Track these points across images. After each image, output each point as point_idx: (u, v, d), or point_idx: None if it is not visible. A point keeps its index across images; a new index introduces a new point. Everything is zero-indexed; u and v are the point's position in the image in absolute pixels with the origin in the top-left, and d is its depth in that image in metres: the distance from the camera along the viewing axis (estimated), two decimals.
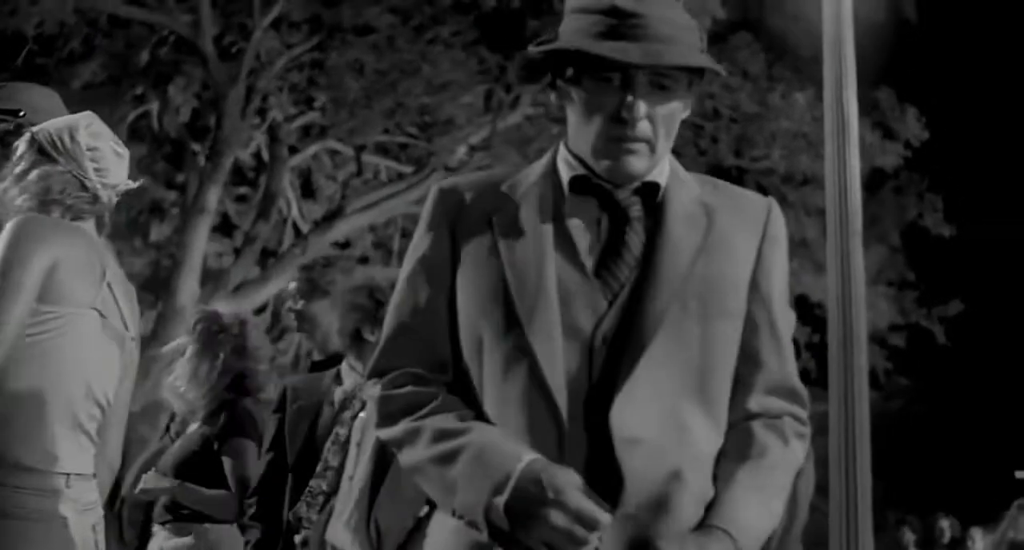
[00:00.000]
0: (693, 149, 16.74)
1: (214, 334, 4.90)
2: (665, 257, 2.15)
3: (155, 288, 15.63)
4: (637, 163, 2.14)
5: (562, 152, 2.25)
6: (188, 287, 14.71)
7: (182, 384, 4.82)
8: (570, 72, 2.16)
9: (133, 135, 17.01)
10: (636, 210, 2.17)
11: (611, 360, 2.09)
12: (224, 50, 15.82)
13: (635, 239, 2.17)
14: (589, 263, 2.14)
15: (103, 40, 16.56)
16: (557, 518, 1.94)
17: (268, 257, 17.09)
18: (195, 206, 15.05)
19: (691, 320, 2.13)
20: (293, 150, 17.28)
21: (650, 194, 2.19)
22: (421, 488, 2.18)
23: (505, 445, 2.04)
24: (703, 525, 2.07)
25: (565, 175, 2.20)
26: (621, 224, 2.17)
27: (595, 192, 2.18)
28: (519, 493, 1.96)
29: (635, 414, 2.06)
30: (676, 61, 2.08)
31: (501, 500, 1.97)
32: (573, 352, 2.09)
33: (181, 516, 4.70)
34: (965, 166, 21.25)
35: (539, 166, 2.27)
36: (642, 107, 2.09)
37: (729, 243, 2.21)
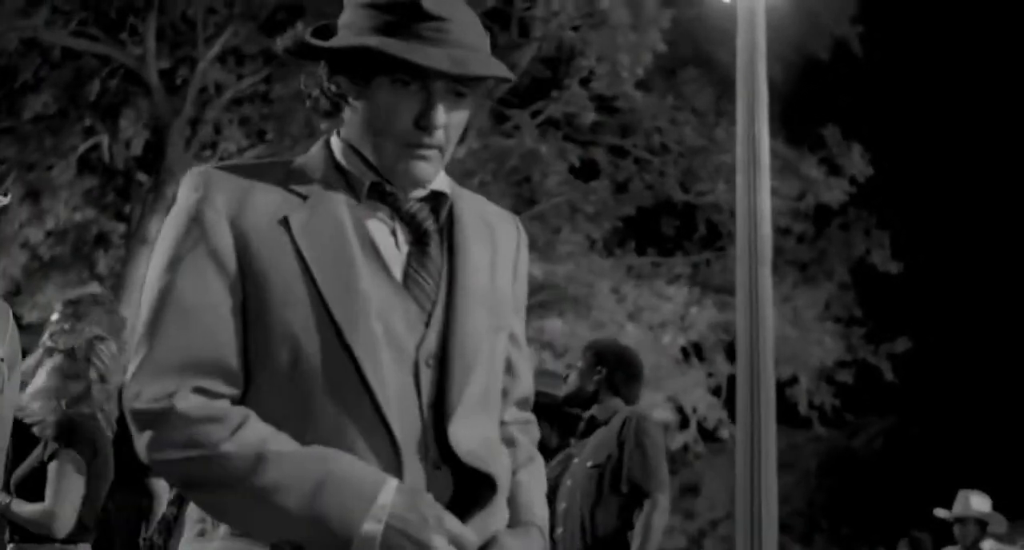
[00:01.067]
0: (640, 183, 16.79)
1: (65, 349, 4.86)
2: (469, 273, 2.13)
3: None
4: (428, 169, 2.08)
5: (340, 149, 2.13)
6: (128, 318, 14.67)
7: (29, 397, 4.78)
8: (357, 70, 2.05)
9: (84, 166, 17.04)
10: (430, 222, 2.12)
11: (439, 381, 2.04)
12: (171, 82, 15.86)
13: (436, 252, 2.12)
14: (397, 275, 2.07)
15: (52, 72, 16.58)
16: (440, 544, 1.89)
17: None
18: (136, 237, 15.05)
19: (490, 335, 2.15)
20: None
21: (437, 203, 2.14)
22: (229, 524, 1.96)
23: (361, 470, 1.92)
24: (519, 523, 2.15)
25: (358, 178, 2.09)
26: (421, 236, 2.11)
27: (386, 199, 2.10)
28: (397, 521, 1.88)
29: (469, 436, 2.06)
30: (481, 71, 2.02)
31: (377, 529, 1.87)
32: (399, 370, 2.01)
33: (27, 536, 4.65)
34: (911, 203, 21.37)
35: (317, 161, 2.13)
36: (441, 115, 2.04)
37: (504, 258, 2.24)
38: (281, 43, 2.11)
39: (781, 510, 26.98)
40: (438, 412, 2.03)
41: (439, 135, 2.06)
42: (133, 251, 14.98)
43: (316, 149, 2.17)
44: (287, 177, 2.09)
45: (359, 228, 2.06)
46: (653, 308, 16.40)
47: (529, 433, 2.32)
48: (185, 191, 2.05)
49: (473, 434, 2.07)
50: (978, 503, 7.98)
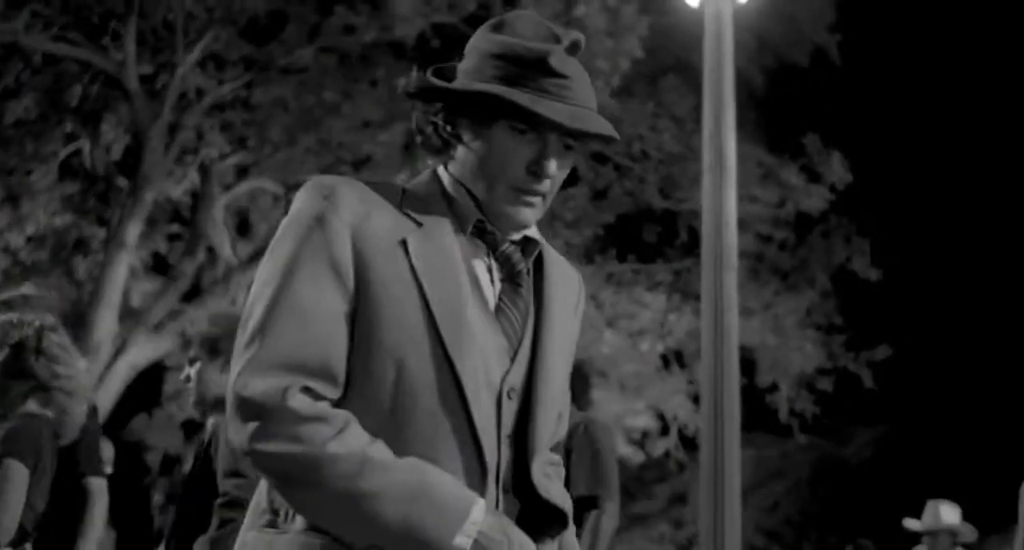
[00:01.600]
0: (620, 190, 16.80)
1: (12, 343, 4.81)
2: (554, 316, 2.25)
3: (76, 324, 15.56)
4: (531, 215, 2.19)
5: (450, 183, 2.24)
6: (105, 323, 14.65)
7: None
8: (478, 114, 2.16)
9: (66, 172, 17.03)
10: (522, 264, 2.23)
11: (518, 414, 2.16)
12: (152, 87, 15.83)
13: (525, 293, 2.23)
14: (492, 309, 2.17)
15: (34, 77, 16.57)
16: None
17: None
18: (114, 242, 15.03)
19: (565, 378, 2.31)
20: (230, 189, 17.30)
21: (528, 248, 2.26)
22: (318, 523, 2.01)
23: (455, 485, 2.01)
24: None
25: (465, 213, 2.20)
26: (514, 276, 2.22)
27: (485, 237, 2.21)
28: (485, 539, 1.97)
29: (542, 473, 2.21)
30: (596, 129, 2.13)
31: (466, 543, 1.96)
32: (487, 399, 2.10)
33: None
34: (892, 210, 21.40)
35: (427, 191, 2.23)
36: (553, 165, 2.15)
37: (575, 308, 2.37)
38: (407, 84, 2.23)
39: (771, 518, 26.85)
40: (518, 445, 2.16)
41: (547, 184, 2.18)
42: (111, 256, 14.96)
43: (426, 179, 2.27)
44: (401, 200, 2.18)
45: (465, 260, 2.17)
46: (631, 315, 16.42)
47: (560, 476, 2.41)
48: (311, 196, 2.13)
49: (544, 471, 2.23)
50: (948, 514, 7.97)
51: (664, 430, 18.40)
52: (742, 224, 17.29)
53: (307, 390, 2.00)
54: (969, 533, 7.93)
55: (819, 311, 17.83)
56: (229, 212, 17.83)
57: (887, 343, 17.65)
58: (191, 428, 18.97)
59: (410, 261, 2.08)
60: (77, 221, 16.63)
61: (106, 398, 14.75)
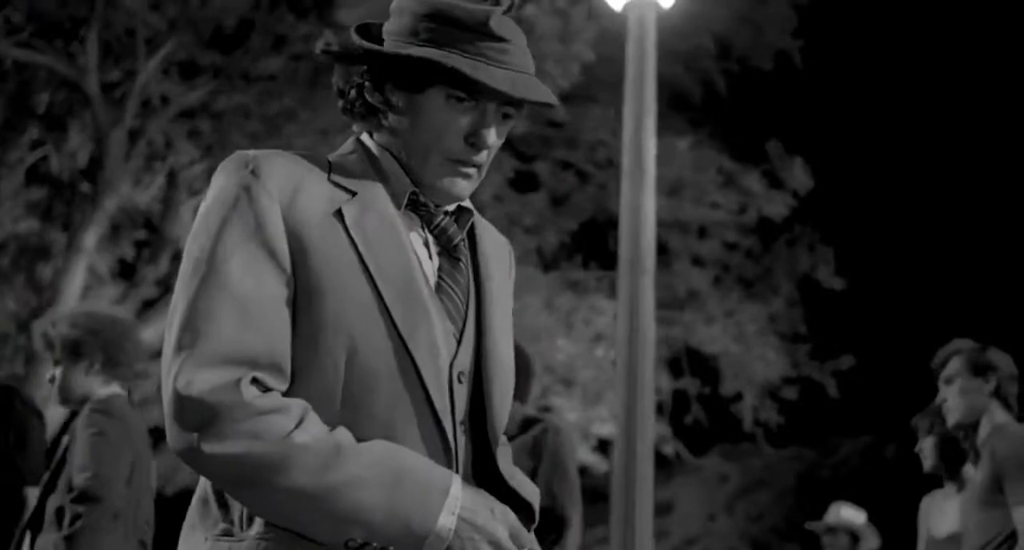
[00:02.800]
0: (581, 195, 16.80)
1: None
2: (493, 293, 2.16)
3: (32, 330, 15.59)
4: (467, 186, 2.10)
5: (380, 153, 2.12)
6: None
7: None
8: (410, 79, 2.05)
9: (34, 178, 17.06)
10: (458, 236, 2.13)
11: (472, 398, 2.07)
12: (113, 94, 15.86)
13: (465, 268, 2.14)
14: (433, 287, 2.07)
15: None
16: (503, 535, 1.92)
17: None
18: (72, 247, 15.07)
19: (511, 357, 2.19)
20: (198, 194, 17.35)
21: (462, 220, 2.16)
22: (287, 524, 1.88)
23: (429, 464, 1.92)
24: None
25: (396, 184, 2.08)
26: (452, 250, 2.13)
27: (418, 209, 2.11)
28: (468, 513, 1.90)
29: (506, 462, 2.13)
30: (538, 97, 2.04)
31: (451, 521, 1.87)
32: (442, 384, 2.01)
33: None
34: (855, 218, 21.42)
35: (356, 161, 2.11)
36: (492, 134, 2.06)
37: (511, 277, 2.29)
38: (324, 42, 2.12)
39: (756, 527, 26.72)
40: (474, 432, 2.07)
41: (484, 154, 2.08)
42: (69, 261, 14.98)
43: (350, 148, 2.15)
44: (330, 170, 2.06)
45: (404, 233, 2.06)
46: (586, 321, 16.37)
47: (508, 456, 2.29)
48: (234, 172, 1.99)
49: (507, 459, 2.15)
50: (849, 514, 7.94)
51: None
52: (703, 232, 17.38)
53: (256, 382, 1.86)
54: (871, 537, 7.90)
55: (783, 320, 17.82)
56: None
57: (851, 353, 17.69)
58: (157, 435, 18.93)
59: (348, 233, 1.97)
60: (40, 227, 16.66)
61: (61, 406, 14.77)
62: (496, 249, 2.24)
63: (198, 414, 1.82)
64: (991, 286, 22.93)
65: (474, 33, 2.01)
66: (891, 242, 23.25)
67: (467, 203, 2.17)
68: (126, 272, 18.32)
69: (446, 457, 1.97)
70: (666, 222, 16.81)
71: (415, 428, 1.95)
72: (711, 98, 16.98)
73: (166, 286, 16.75)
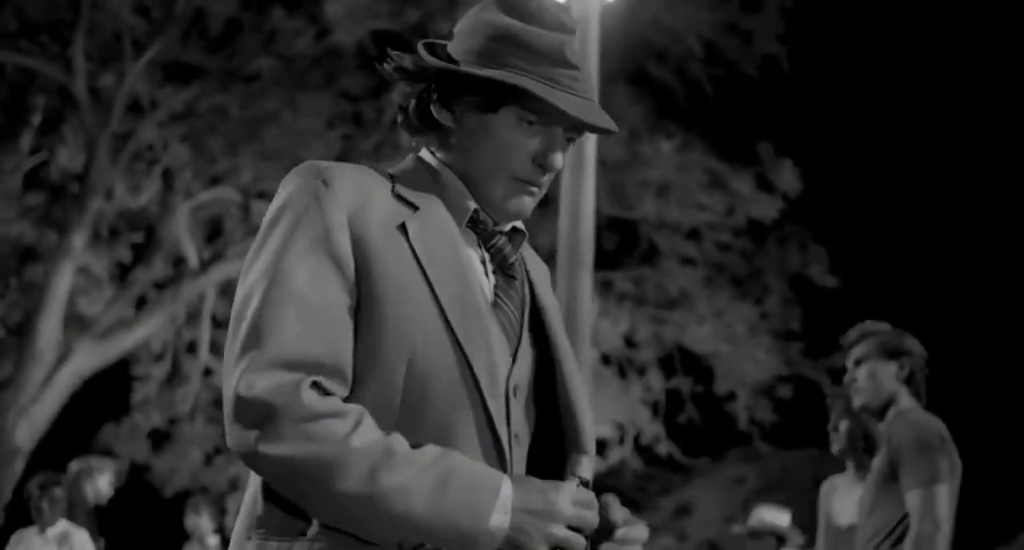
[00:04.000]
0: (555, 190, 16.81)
1: None
2: (544, 311, 2.18)
3: (19, 332, 15.72)
4: (530, 206, 2.13)
5: (442, 170, 2.14)
6: (48, 330, 14.76)
7: None
8: (482, 99, 2.07)
9: (33, 183, 17.20)
10: (513, 255, 2.15)
11: (526, 413, 2.08)
12: (99, 97, 15.94)
13: (520, 287, 2.16)
14: (490, 303, 2.08)
15: None
16: (559, 529, 1.91)
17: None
18: (60, 250, 15.17)
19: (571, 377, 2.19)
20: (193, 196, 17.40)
21: (516, 239, 2.18)
22: (339, 525, 1.89)
23: (479, 465, 1.92)
24: None
25: (458, 201, 2.11)
26: (506, 268, 2.15)
27: (476, 227, 2.14)
28: (521, 507, 1.89)
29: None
30: (605, 125, 2.08)
31: (504, 519, 1.87)
32: (499, 396, 2.02)
33: None
34: (847, 216, 21.34)
35: (418, 177, 2.13)
36: (560, 157, 2.09)
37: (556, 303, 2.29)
38: (399, 59, 2.13)
39: None
40: (531, 449, 2.08)
41: (549, 176, 2.11)
42: (55, 264, 15.09)
43: (411, 164, 2.17)
44: (393, 185, 2.09)
45: (464, 250, 2.08)
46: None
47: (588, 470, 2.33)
48: (304, 180, 2.02)
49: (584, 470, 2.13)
50: (772, 517, 7.91)
51: (620, 439, 18.31)
52: (695, 232, 17.36)
53: (317, 386, 1.88)
54: (796, 536, 7.86)
55: (776, 318, 17.75)
56: (197, 221, 17.91)
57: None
58: (158, 437, 19.10)
59: (411, 246, 1.99)
60: (30, 229, 16.74)
61: (49, 406, 14.88)
62: (541, 271, 2.27)
63: (257, 414, 1.85)
64: (983, 280, 22.84)
65: (547, 59, 2.05)
66: (883, 239, 23.17)
67: (521, 225, 2.19)
68: (122, 274, 18.44)
69: (500, 467, 1.98)
70: (654, 224, 16.83)
71: (472, 438, 1.96)
72: (699, 101, 16.96)
73: (161, 286, 16.86)
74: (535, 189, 2.10)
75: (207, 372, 18.07)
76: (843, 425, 5.68)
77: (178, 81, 16.28)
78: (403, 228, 2.01)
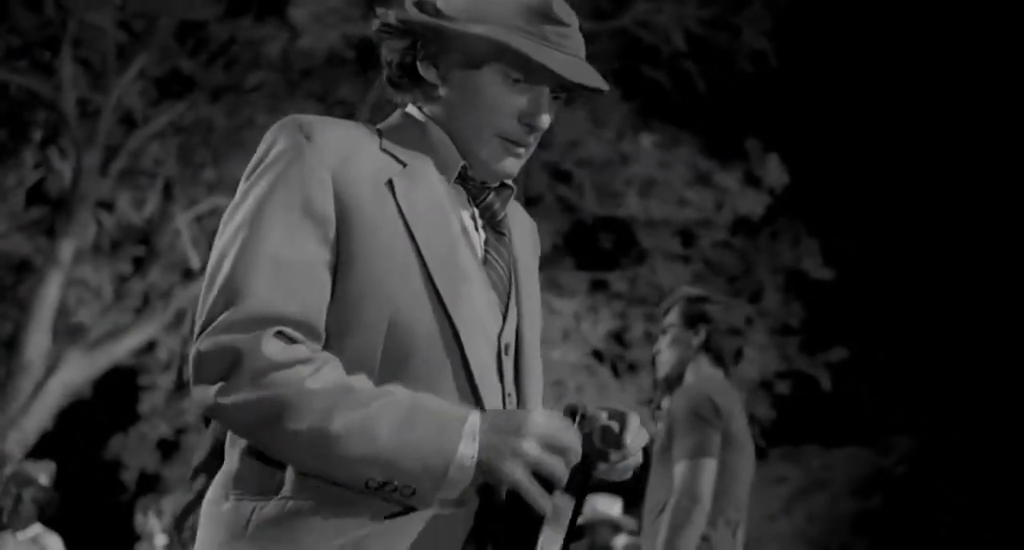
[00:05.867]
0: (551, 196, 16.80)
1: None
2: (527, 268, 2.18)
3: (8, 344, 15.82)
4: (516, 165, 2.11)
5: (430, 126, 2.11)
6: (36, 341, 14.85)
7: None
8: (468, 55, 2.05)
9: (37, 198, 17.36)
10: (502, 212, 2.15)
11: (515, 373, 2.08)
12: (86, 110, 16.05)
13: (508, 244, 2.15)
14: (480, 260, 2.07)
15: None
16: (531, 447, 1.84)
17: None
18: (48, 260, 15.29)
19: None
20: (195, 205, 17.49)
21: (503, 194, 2.16)
22: (302, 467, 1.86)
23: (444, 402, 1.88)
24: None
25: (447, 158, 2.09)
26: (496, 225, 2.14)
27: (466, 183, 2.12)
28: (490, 435, 1.83)
29: None
30: (594, 84, 2.05)
31: (473, 448, 1.82)
32: (487, 354, 2.01)
33: None
34: (839, 209, 21.23)
35: (406, 132, 2.11)
36: (546, 117, 2.07)
37: (536, 255, 2.30)
38: (384, 15, 2.10)
39: (812, 528, 26.50)
40: (518, 404, 2.07)
41: (535, 135, 2.10)
42: (45, 273, 15.22)
43: (399, 120, 2.15)
44: (381, 140, 2.07)
45: (453, 206, 2.07)
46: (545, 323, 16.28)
47: None
48: (287, 135, 1.98)
49: None
50: (604, 506, 7.91)
51: None
52: (686, 230, 17.29)
53: (281, 335, 1.85)
54: (630, 523, 7.83)
55: (772, 314, 17.63)
56: (203, 231, 17.99)
57: (844, 344, 17.45)
58: (167, 447, 19.18)
59: (397, 203, 1.97)
60: (24, 242, 16.86)
61: (39, 417, 14.99)
62: (526, 226, 2.26)
63: (219, 367, 1.84)
64: (978, 268, 22.68)
65: (536, 15, 2.02)
66: (877, 230, 23.05)
67: (509, 180, 2.17)
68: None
69: None
70: (642, 221, 16.77)
71: (453, 396, 1.94)
72: (686, 97, 16.88)
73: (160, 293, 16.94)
74: (521, 149, 2.08)
75: None
76: (665, 401, 5.49)
77: (167, 94, 16.38)
78: (390, 184, 1.98)
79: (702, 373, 4.55)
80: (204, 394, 1.84)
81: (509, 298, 2.08)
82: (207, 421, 4.64)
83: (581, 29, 2.09)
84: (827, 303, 18.42)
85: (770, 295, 17.63)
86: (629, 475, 2.12)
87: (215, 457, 4.35)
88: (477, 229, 2.10)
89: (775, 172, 16.40)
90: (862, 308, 21.74)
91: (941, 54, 22.79)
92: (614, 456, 1.98)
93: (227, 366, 1.83)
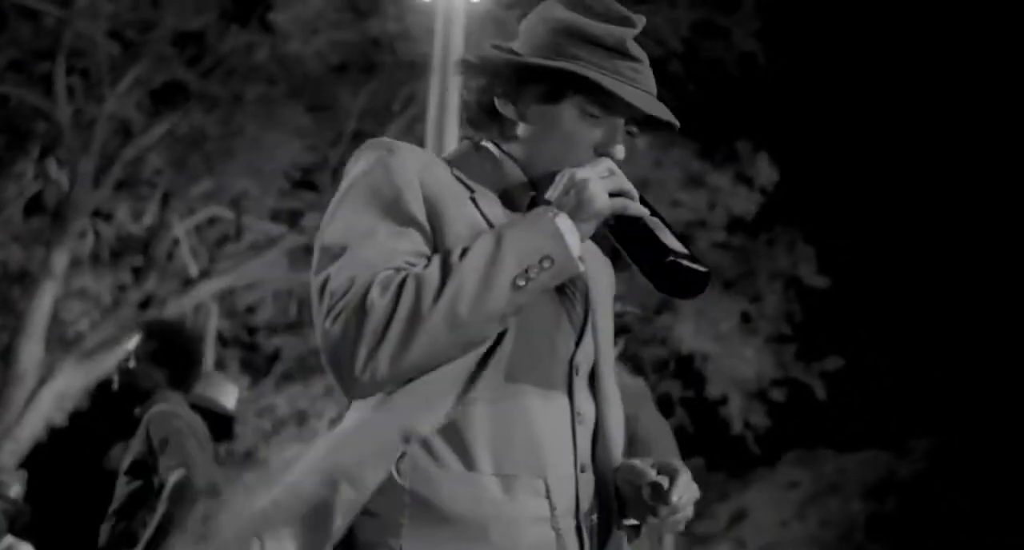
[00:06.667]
0: None
1: None
2: (603, 301, 2.19)
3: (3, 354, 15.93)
4: None
5: (502, 159, 2.15)
6: (30, 351, 14.91)
7: None
8: (546, 92, 2.10)
9: (37, 209, 17.53)
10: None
11: (593, 396, 2.11)
12: (79, 120, 16.18)
13: (582, 276, 2.13)
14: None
15: None
16: (598, 189, 1.94)
17: None
18: (41, 271, 15.42)
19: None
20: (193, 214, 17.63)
21: None
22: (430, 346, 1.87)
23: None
24: None
25: (519, 190, 2.12)
26: None
27: None
28: (564, 200, 1.94)
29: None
30: (667, 118, 2.10)
31: (563, 219, 1.92)
32: (560, 372, 2.05)
33: None
34: (834, 215, 21.09)
35: (476, 163, 2.15)
36: (621, 149, 2.10)
37: (611, 289, 2.29)
38: (468, 54, 2.16)
39: (825, 533, 26.26)
40: (596, 427, 2.11)
41: None
42: (37, 284, 15.36)
43: (466, 150, 2.19)
44: (450, 167, 2.10)
45: None
46: None
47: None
48: (370, 152, 2.05)
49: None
50: None
51: None
52: (684, 233, 17.20)
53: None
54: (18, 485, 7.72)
55: (768, 321, 17.53)
56: (203, 242, 18.11)
57: (838, 352, 17.37)
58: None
59: (483, 213, 2.02)
60: (18, 251, 16.99)
61: (33, 426, 15.09)
62: (600, 266, 2.25)
63: (337, 339, 1.87)
64: (973, 272, 22.49)
65: (611, 52, 2.07)
66: (873, 236, 22.88)
67: None
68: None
69: (570, 439, 2.02)
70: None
71: (543, 399, 2.00)
72: (676, 99, 16.85)
73: (145, 305, 17.04)
74: None
75: None
76: None
77: (162, 103, 16.52)
78: (473, 201, 2.03)
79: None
80: (335, 365, 1.87)
81: (584, 325, 2.09)
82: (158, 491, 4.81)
83: None
84: (822, 311, 18.32)
85: (767, 301, 17.52)
86: (681, 528, 2.11)
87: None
88: None
89: (765, 171, 16.38)
90: (861, 311, 21.63)
91: (931, 55, 22.83)
92: (663, 512, 2.02)
93: (342, 333, 1.85)
